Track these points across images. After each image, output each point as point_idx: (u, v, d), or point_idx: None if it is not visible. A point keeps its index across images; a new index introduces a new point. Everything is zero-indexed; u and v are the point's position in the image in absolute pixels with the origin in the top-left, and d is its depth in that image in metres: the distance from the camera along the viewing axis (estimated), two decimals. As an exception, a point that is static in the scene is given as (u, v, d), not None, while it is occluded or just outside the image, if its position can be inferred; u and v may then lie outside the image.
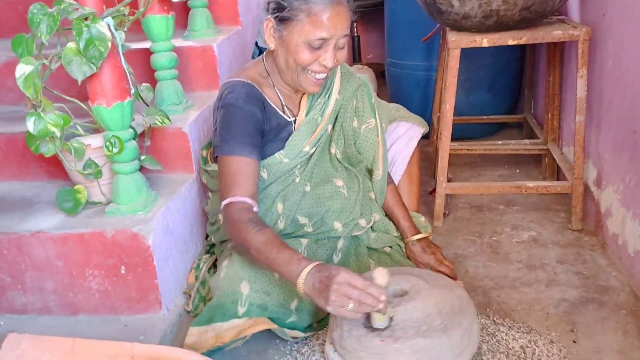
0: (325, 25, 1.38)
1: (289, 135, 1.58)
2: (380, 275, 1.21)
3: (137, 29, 1.90)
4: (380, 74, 3.75)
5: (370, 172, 1.72)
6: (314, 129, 1.60)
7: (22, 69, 1.36)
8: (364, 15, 4.14)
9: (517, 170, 2.53)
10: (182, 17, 2.22)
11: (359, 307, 1.15)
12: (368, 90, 1.72)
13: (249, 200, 1.41)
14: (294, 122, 1.60)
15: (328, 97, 1.62)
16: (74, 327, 1.54)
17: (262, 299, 1.42)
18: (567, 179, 2.03)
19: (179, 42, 2.09)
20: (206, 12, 2.22)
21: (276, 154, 1.56)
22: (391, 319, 1.23)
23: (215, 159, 1.57)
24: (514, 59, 2.83)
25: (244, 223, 1.34)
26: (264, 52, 1.59)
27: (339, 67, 1.65)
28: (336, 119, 1.66)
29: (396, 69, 3.01)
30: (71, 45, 1.37)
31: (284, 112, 1.58)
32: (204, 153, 1.76)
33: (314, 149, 1.62)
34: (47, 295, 1.57)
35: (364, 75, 1.77)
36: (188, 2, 2.18)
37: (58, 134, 1.43)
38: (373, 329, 1.23)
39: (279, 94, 1.58)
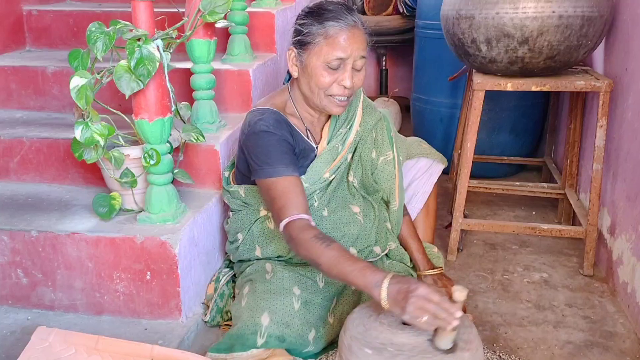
0: (341, 46, 1.48)
1: (311, 162, 1.66)
2: (459, 292, 1.20)
3: (179, 49, 2.02)
4: (405, 108, 3.84)
5: (386, 202, 1.78)
6: (334, 157, 1.68)
7: (77, 81, 1.47)
8: (392, 50, 4.26)
9: (534, 213, 2.57)
10: (222, 41, 2.34)
11: (433, 321, 1.16)
12: (388, 124, 1.80)
13: (306, 216, 1.45)
14: (317, 150, 1.68)
15: (349, 127, 1.71)
16: (97, 326, 1.62)
17: (281, 330, 1.45)
18: (582, 225, 2.08)
19: (217, 65, 2.20)
20: (245, 38, 2.34)
21: None
22: (455, 342, 1.20)
23: (239, 181, 1.72)
24: (538, 104, 2.89)
25: (310, 241, 1.39)
26: (288, 81, 1.69)
27: (361, 100, 1.74)
28: (355, 149, 1.74)
29: (421, 104, 3.10)
30: (123, 62, 1.48)
31: (308, 138, 1.67)
32: (227, 174, 1.83)
33: (333, 176, 1.69)
34: (75, 293, 1.66)
35: (385, 110, 1.85)
36: (229, 28, 2.30)
37: (102, 143, 1.54)
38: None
39: (303, 121, 1.67)
